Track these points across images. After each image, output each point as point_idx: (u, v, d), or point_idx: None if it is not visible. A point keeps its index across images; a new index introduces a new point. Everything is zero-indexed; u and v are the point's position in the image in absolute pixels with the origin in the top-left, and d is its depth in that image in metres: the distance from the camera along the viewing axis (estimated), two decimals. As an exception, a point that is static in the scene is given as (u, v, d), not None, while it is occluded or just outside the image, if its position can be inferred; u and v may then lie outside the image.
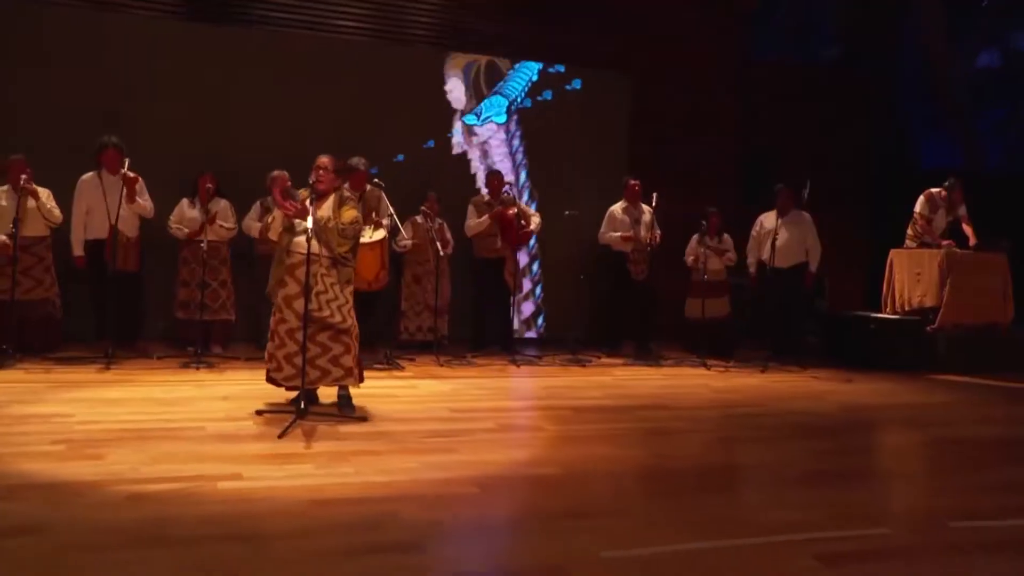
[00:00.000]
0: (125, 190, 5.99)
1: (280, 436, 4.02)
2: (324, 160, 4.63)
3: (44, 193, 6.16)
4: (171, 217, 6.61)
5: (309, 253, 4.32)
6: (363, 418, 4.52)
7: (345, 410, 4.63)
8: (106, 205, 6.07)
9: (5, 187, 6.05)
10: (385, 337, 7.05)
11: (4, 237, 5.81)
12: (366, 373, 4.85)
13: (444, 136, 8.19)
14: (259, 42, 7.56)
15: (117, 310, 6.15)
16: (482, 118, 8.34)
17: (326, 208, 4.57)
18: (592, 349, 7.73)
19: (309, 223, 4.31)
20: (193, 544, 2.64)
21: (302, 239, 4.37)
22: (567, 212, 7.56)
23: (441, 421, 4.65)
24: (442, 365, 6.57)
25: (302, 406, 4.36)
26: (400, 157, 7.81)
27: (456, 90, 8.29)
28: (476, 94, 8.36)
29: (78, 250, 6.24)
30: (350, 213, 4.58)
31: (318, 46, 7.73)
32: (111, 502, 3.01)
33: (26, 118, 6.66)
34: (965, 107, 11.61)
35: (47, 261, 6.14)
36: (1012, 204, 9.83)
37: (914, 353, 7.53)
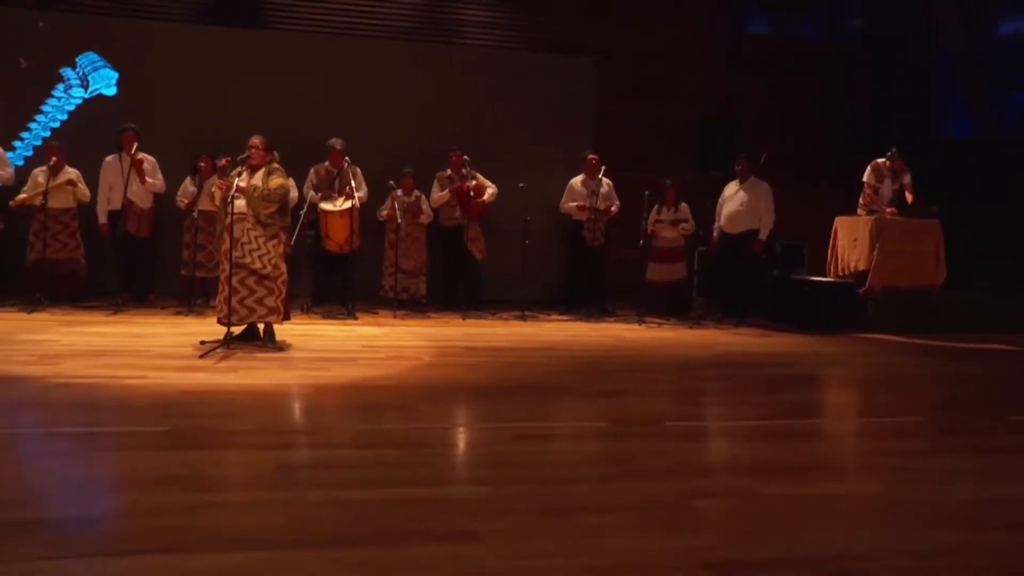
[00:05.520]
0: (134, 170, 7.37)
1: (200, 356, 5.20)
2: (255, 140, 5.79)
3: (75, 173, 7.61)
4: (178, 192, 7.99)
5: (232, 214, 5.52)
6: (281, 348, 5.65)
7: (269, 343, 5.78)
8: (124, 181, 7.46)
9: (43, 168, 7.53)
10: (360, 294, 8.18)
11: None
12: (325, 321, 6.00)
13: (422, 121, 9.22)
14: (257, 42, 8.87)
15: (132, 269, 7.62)
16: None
17: (257, 178, 5.73)
18: (549, 310, 8.62)
19: (234, 187, 5.52)
20: (74, 408, 3.84)
21: (238, 203, 5.58)
22: (520, 185, 8.44)
23: (344, 352, 5.74)
24: (396, 317, 7.64)
25: (230, 337, 5.54)
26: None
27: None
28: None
29: (102, 219, 7.71)
30: (276, 181, 5.71)
31: (308, 44, 8.96)
32: (42, 387, 4.26)
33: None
34: (978, 76, 11.65)
35: (72, 228, 7.61)
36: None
37: (845, 315, 8.05)
